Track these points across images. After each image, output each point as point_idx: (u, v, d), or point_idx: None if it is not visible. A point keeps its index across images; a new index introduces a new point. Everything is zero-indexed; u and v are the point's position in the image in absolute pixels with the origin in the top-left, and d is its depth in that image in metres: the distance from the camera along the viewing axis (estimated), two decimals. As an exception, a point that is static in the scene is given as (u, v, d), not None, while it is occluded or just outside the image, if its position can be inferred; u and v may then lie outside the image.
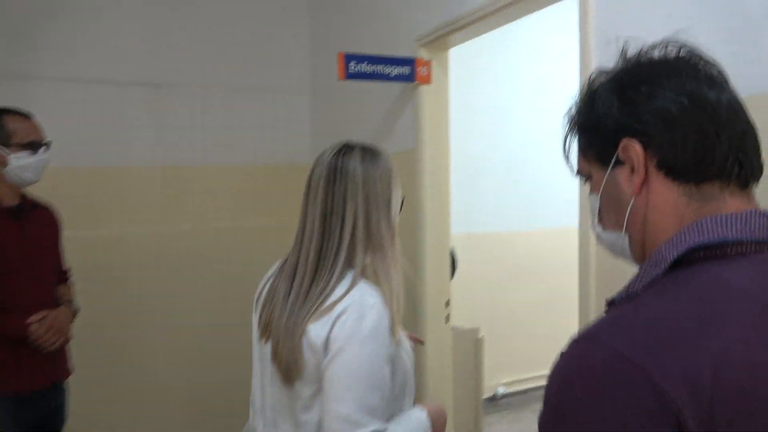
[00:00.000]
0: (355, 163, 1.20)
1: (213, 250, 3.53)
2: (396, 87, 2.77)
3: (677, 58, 0.66)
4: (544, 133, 4.08)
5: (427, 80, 2.57)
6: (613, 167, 0.66)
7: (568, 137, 0.74)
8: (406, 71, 2.51)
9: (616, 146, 0.65)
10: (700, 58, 0.67)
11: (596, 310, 1.73)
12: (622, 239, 0.68)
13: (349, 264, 1.17)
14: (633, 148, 0.63)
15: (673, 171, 0.62)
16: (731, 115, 0.63)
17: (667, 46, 0.67)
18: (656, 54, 0.68)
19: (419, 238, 2.63)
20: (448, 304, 2.70)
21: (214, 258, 3.52)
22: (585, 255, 1.77)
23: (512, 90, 4.14)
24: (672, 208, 0.63)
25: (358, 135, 3.38)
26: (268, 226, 3.69)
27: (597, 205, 0.71)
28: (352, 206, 1.17)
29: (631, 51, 0.70)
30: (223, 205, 3.59)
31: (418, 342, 1.49)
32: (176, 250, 3.43)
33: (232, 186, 3.62)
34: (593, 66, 1.66)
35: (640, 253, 0.68)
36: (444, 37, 2.49)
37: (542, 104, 4.03)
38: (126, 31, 3.31)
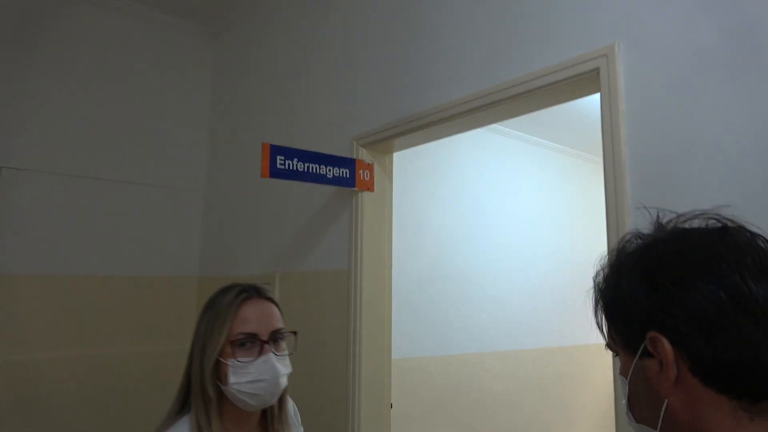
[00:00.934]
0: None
1: (52, 388, 2.59)
2: (323, 191, 2.27)
3: (720, 240, 0.55)
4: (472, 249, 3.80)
5: (369, 186, 2.10)
6: (641, 356, 0.56)
7: (598, 304, 0.64)
8: (345, 174, 2.03)
9: (643, 335, 0.55)
10: (749, 239, 0.55)
11: None
12: None
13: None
14: (661, 345, 0.53)
15: (713, 381, 0.52)
16: None
17: (709, 219, 0.58)
18: (696, 227, 0.58)
19: (353, 371, 2.03)
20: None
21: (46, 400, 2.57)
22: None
23: (432, 207, 3.81)
24: (730, 425, 0.51)
25: (267, 246, 2.81)
26: (140, 353, 2.84)
27: (625, 390, 0.61)
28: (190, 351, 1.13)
29: (667, 219, 0.60)
30: (76, 326, 2.71)
31: None
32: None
33: (93, 301, 2.78)
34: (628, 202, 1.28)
35: None
36: (389, 139, 2.08)
37: (466, 221, 3.76)
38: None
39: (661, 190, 1.24)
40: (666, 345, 0.53)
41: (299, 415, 1.25)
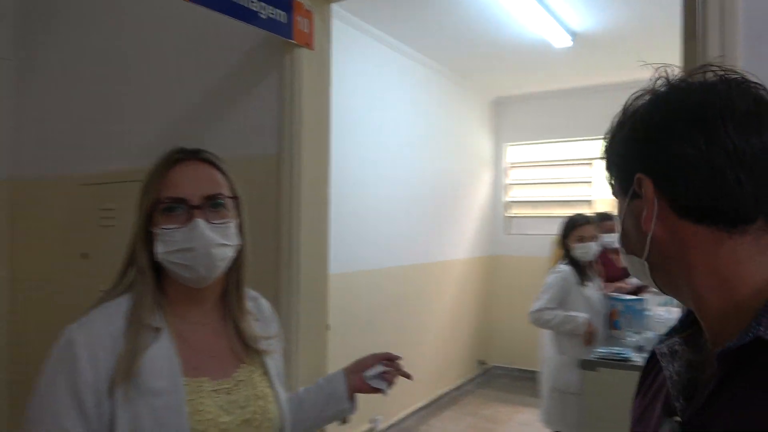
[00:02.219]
0: None
1: None
2: (232, 48, 1.65)
3: (712, 93, 0.58)
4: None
5: (308, 42, 1.54)
6: (631, 198, 0.63)
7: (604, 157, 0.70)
8: (281, 18, 1.45)
9: (632, 179, 0.62)
10: (743, 88, 0.58)
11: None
12: (641, 264, 0.65)
13: None
14: (645, 184, 0.61)
15: (691, 216, 0.58)
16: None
17: (706, 72, 0.60)
18: (693, 81, 0.61)
19: (287, 281, 1.54)
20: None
21: None
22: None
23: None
24: (712, 244, 0.58)
25: (137, 131, 1.93)
26: None
27: (619, 227, 0.68)
28: None
29: (671, 75, 0.62)
30: None
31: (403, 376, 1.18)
32: None
33: None
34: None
35: (670, 287, 0.65)
36: (332, -22, 1.53)
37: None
38: None
39: None
40: (648, 184, 0.60)
41: (274, 311, 1.15)
